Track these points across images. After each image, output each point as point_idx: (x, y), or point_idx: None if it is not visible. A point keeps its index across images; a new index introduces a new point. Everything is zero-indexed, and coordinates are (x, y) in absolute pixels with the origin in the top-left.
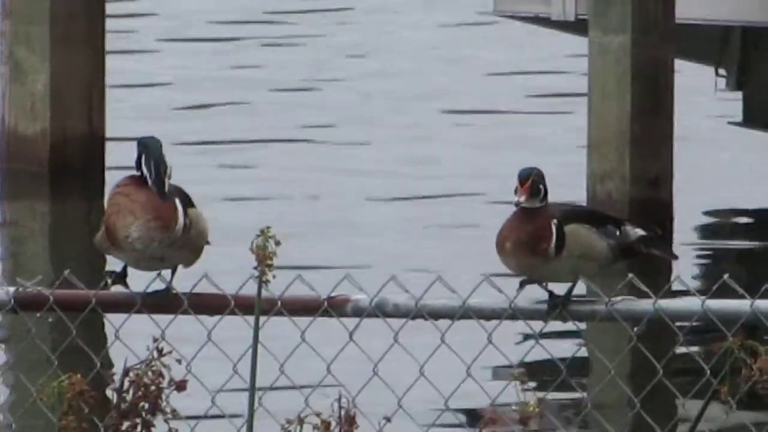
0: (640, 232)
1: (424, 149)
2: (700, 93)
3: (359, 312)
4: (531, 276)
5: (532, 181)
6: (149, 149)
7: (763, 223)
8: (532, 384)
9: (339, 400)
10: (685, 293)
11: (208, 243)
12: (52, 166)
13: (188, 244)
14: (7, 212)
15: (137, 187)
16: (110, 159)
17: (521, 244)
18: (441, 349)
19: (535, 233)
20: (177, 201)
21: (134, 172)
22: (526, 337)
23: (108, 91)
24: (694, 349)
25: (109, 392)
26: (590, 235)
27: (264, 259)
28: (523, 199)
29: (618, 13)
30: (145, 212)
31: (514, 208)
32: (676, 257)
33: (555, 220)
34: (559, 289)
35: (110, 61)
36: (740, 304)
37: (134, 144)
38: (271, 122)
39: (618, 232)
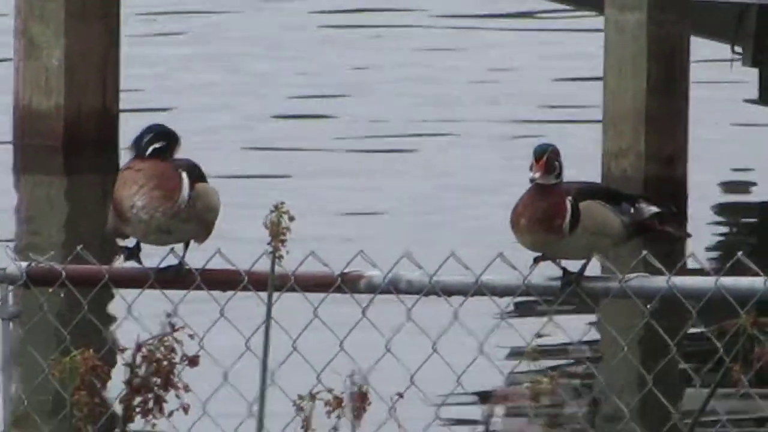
0: (654, 209)
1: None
2: (716, 70)
3: (372, 288)
4: (545, 252)
5: (547, 158)
6: (149, 126)
7: None
8: (545, 361)
9: (351, 376)
10: (699, 271)
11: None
12: (66, 142)
13: (194, 216)
14: (20, 187)
15: (142, 162)
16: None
17: (536, 220)
18: (454, 326)
19: (549, 209)
20: (183, 173)
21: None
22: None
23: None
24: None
25: (120, 367)
26: (605, 212)
27: (277, 234)
28: (537, 175)
29: None
30: (149, 182)
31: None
32: (689, 235)
33: (570, 197)
34: (573, 266)
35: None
36: (753, 282)
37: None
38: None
39: (632, 209)
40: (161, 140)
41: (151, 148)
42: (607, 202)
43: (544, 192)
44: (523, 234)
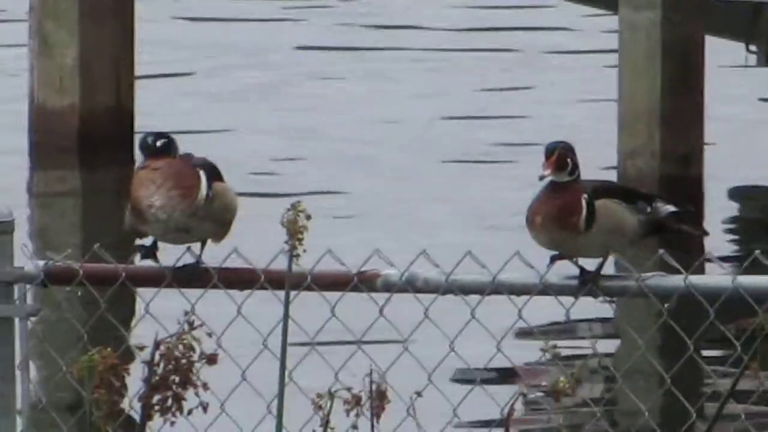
0: (671, 208)
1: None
2: (731, 69)
3: (389, 287)
4: (561, 251)
5: (557, 155)
6: (148, 132)
7: None
8: (562, 360)
9: (370, 375)
10: (716, 270)
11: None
12: (81, 141)
13: (212, 215)
14: (36, 186)
15: (157, 160)
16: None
17: (551, 218)
18: (471, 325)
19: (564, 207)
20: (201, 172)
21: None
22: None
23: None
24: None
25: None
26: (621, 211)
27: (294, 232)
28: (547, 172)
29: None
30: (167, 181)
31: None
32: (707, 233)
33: (585, 195)
34: (590, 264)
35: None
36: None
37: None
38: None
39: (649, 208)
40: (164, 137)
41: (159, 142)
42: (623, 200)
43: (559, 190)
44: (538, 232)
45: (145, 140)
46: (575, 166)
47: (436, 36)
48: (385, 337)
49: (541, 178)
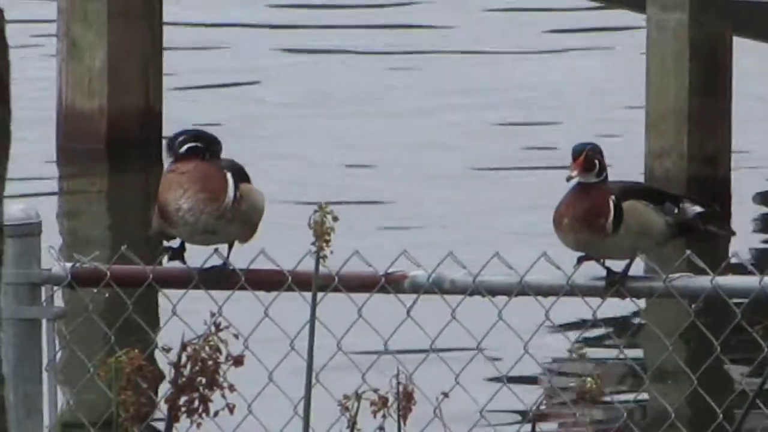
0: (698, 208)
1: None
2: (758, 70)
3: (417, 288)
4: (588, 252)
5: (585, 156)
6: (184, 129)
7: None
8: (590, 361)
9: (397, 376)
10: (743, 270)
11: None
12: (110, 143)
13: (240, 217)
14: (65, 188)
15: (185, 163)
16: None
17: (578, 219)
18: (498, 326)
19: (592, 209)
20: (228, 174)
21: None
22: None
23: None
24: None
25: (165, 368)
26: (648, 212)
27: (322, 234)
28: (574, 173)
29: None
30: (194, 184)
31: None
32: (734, 233)
33: (612, 197)
34: (617, 266)
35: None
36: None
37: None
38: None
39: (676, 209)
40: (196, 141)
41: (185, 147)
42: (650, 201)
43: (586, 192)
44: (566, 233)
45: (173, 141)
46: (603, 167)
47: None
48: (412, 339)
49: (569, 179)
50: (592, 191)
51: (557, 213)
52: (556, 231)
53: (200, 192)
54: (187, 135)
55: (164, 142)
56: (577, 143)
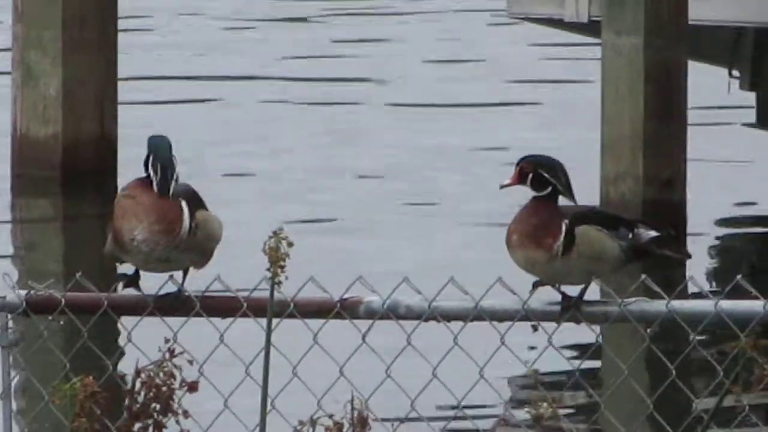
0: (653, 233)
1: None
2: (713, 94)
3: (372, 314)
4: (538, 274)
5: (520, 168)
6: (158, 149)
7: None
8: (545, 386)
9: (351, 402)
10: (698, 294)
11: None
12: (65, 170)
13: (195, 246)
14: (19, 215)
15: (143, 190)
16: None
17: (526, 236)
18: (454, 351)
19: (540, 226)
20: (183, 203)
21: (142, 175)
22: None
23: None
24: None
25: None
26: (601, 237)
27: (276, 260)
28: (506, 182)
29: (631, 14)
30: (149, 215)
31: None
32: (689, 256)
33: (566, 220)
34: (572, 291)
35: None
36: (753, 305)
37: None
38: None
39: (631, 234)
40: (175, 171)
41: (173, 185)
42: (604, 226)
43: (538, 210)
44: (514, 250)
45: (165, 172)
46: (552, 184)
47: None
48: (368, 364)
49: (501, 187)
50: (544, 210)
51: (508, 229)
52: (507, 248)
53: (155, 223)
54: (171, 168)
55: (149, 153)
56: (524, 154)
